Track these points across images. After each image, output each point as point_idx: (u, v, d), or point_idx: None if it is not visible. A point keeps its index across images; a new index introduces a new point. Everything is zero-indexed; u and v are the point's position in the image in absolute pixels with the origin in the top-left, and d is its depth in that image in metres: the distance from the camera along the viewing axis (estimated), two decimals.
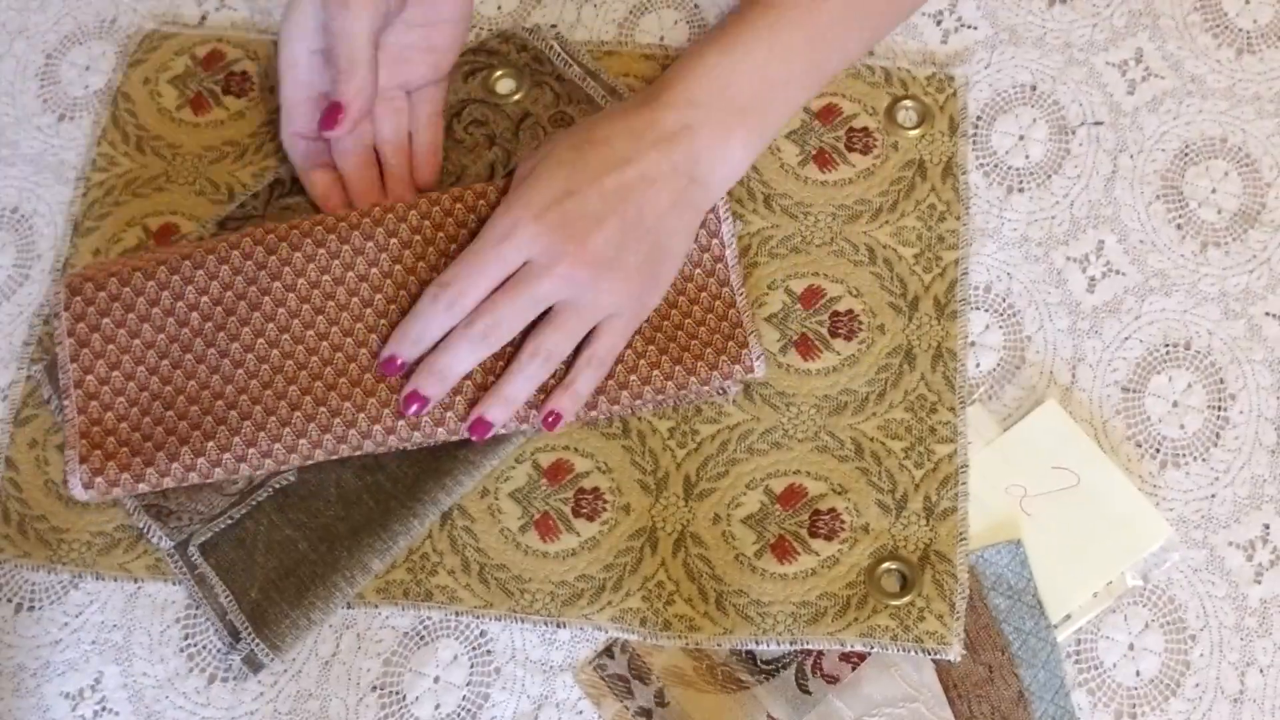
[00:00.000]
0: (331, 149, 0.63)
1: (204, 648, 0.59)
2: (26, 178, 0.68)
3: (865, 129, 0.66)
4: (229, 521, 0.58)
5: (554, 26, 0.70)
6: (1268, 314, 0.63)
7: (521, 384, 0.57)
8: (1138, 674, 0.57)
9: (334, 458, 0.58)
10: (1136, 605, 0.58)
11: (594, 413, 0.59)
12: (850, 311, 0.63)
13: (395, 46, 0.63)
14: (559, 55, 0.68)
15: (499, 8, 0.71)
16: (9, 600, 0.59)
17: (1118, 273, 0.64)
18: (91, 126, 0.69)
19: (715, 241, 0.62)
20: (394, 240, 0.59)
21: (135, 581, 0.59)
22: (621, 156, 0.58)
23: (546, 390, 0.58)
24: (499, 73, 0.67)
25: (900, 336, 0.62)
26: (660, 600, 0.58)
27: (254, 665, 0.57)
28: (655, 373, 0.59)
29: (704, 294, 0.61)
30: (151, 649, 0.59)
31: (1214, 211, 0.65)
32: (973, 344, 0.63)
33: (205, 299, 0.59)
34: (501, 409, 0.57)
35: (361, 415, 0.57)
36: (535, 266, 0.56)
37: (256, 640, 0.57)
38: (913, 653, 0.56)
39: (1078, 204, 0.66)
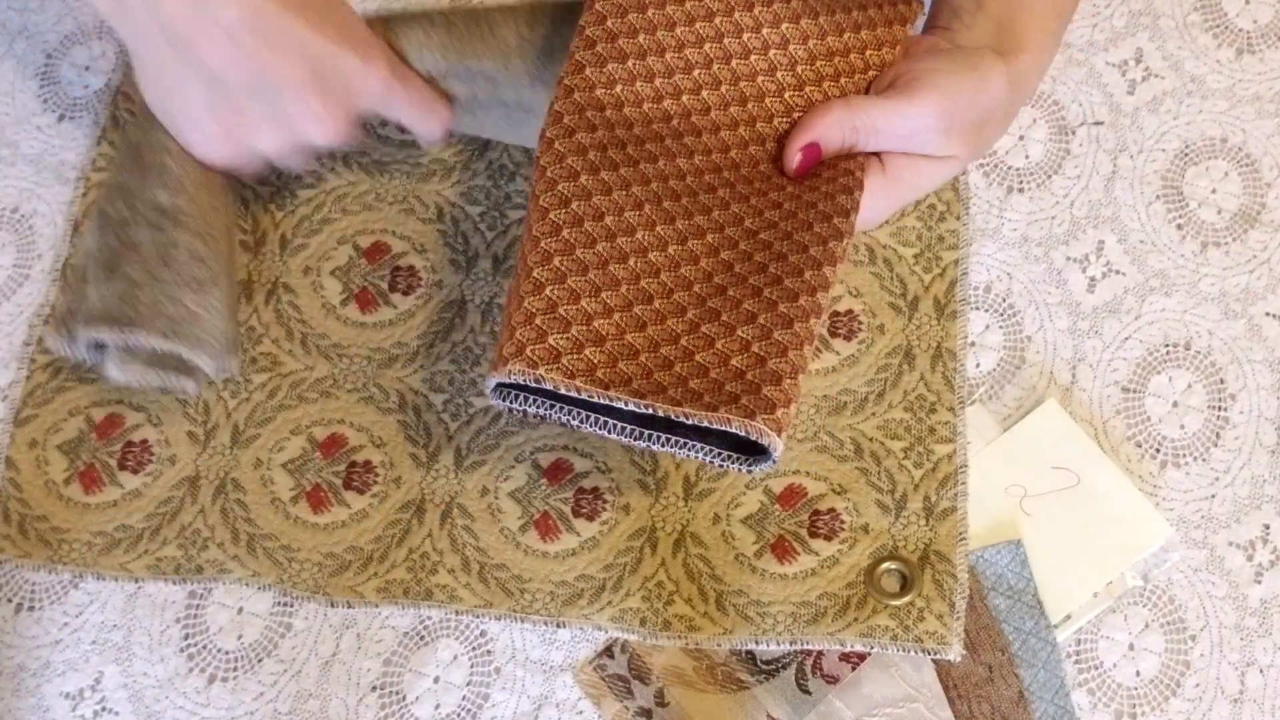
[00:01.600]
0: None
1: (204, 647, 0.59)
2: (26, 178, 0.68)
3: None
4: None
5: None
6: (1268, 314, 0.63)
7: None
8: (1138, 674, 0.57)
9: None
10: (1136, 605, 0.58)
11: None
12: (850, 311, 0.63)
13: None
14: None
15: None
16: (9, 600, 0.59)
17: (1118, 273, 0.64)
18: (91, 126, 0.69)
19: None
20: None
21: (135, 581, 0.59)
22: None
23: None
24: None
25: (900, 336, 0.62)
26: (660, 600, 0.58)
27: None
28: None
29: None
30: (151, 649, 0.59)
31: (1214, 212, 0.65)
32: (973, 344, 0.63)
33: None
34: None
35: None
36: None
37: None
38: (913, 653, 0.56)
39: (1078, 204, 0.66)
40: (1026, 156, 0.67)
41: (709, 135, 0.56)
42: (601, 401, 0.49)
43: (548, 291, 0.50)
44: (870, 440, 0.60)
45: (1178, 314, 0.63)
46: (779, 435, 0.49)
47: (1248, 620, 0.58)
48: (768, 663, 0.57)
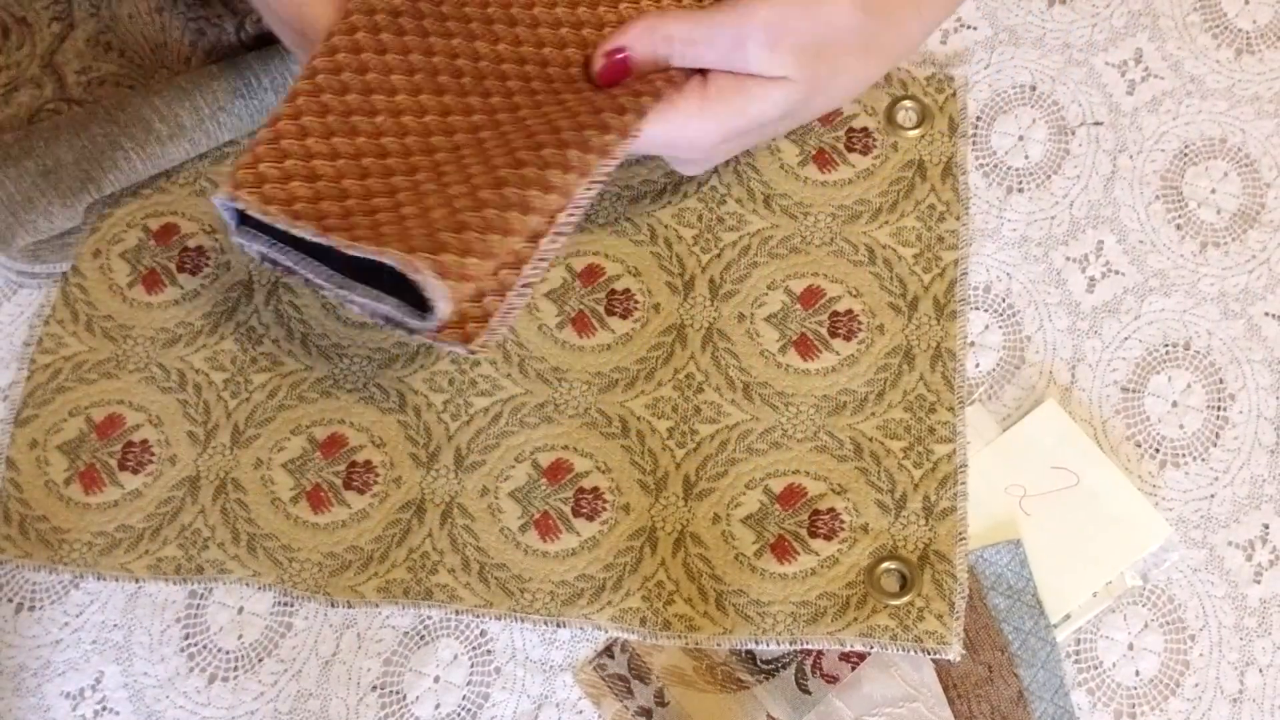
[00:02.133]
0: None
1: (204, 647, 0.59)
2: None
3: (865, 129, 0.66)
4: None
5: None
6: (1267, 314, 0.63)
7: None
8: (1137, 674, 0.57)
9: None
10: (1136, 605, 0.58)
11: None
12: (850, 311, 0.63)
13: None
14: None
15: None
16: (9, 600, 0.59)
17: (1117, 273, 0.64)
18: None
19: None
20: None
21: (136, 581, 0.59)
22: None
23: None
24: None
25: (899, 336, 0.62)
26: (660, 600, 0.58)
27: None
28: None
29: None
30: (152, 649, 0.59)
31: (1213, 212, 0.65)
32: (972, 344, 0.63)
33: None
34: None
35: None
36: None
37: None
38: (912, 652, 0.56)
39: (1077, 204, 0.66)
40: (1026, 157, 0.67)
41: (525, 29, 0.55)
42: (282, 228, 0.49)
43: (279, 125, 0.51)
44: (870, 440, 0.60)
45: (1177, 314, 0.63)
46: (441, 280, 0.47)
47: (1247, 620, 0.58)
48: (768, 662, 0.57)
